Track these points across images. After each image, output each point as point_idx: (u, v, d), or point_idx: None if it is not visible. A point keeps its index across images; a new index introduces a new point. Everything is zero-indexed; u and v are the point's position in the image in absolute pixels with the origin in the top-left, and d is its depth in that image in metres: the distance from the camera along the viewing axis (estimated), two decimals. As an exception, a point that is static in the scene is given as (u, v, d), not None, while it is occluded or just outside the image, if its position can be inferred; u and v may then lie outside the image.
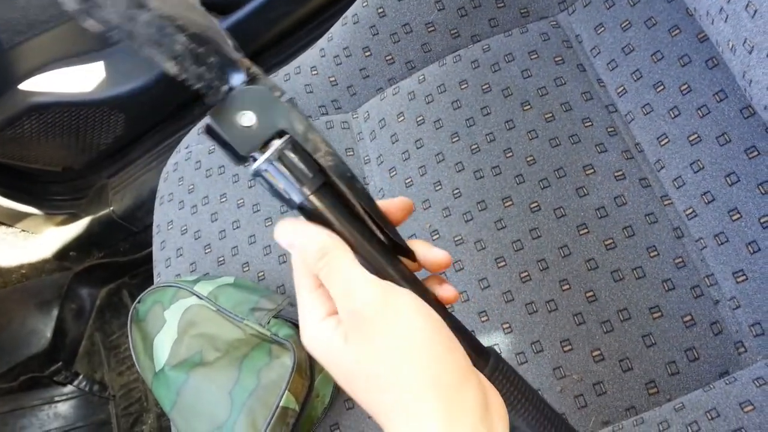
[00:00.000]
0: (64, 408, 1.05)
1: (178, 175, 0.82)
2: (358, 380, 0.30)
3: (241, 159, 0.32)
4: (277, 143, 0.31)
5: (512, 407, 0.33)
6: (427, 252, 0.35)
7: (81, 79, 1.03)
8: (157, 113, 1.12)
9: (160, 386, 0.64)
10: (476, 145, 0.69)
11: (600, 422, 0.55)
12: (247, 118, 0.31)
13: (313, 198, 0.32)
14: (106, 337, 1.05)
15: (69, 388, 1.01)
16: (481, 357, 0.33)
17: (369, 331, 0.30)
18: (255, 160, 0.31)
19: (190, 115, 1.17)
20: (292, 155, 0.31)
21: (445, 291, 0.35)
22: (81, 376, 1.07)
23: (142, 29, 0.30)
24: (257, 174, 0.32)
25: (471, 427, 0.28)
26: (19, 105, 1.01)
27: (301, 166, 0.31)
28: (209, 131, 0.32)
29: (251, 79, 0.32)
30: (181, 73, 0.31)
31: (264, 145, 0.31)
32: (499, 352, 0.60)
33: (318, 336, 0.31)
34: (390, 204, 0.35)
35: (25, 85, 1.01)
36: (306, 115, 0.32)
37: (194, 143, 0.84)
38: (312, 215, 0.33)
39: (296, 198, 0.32)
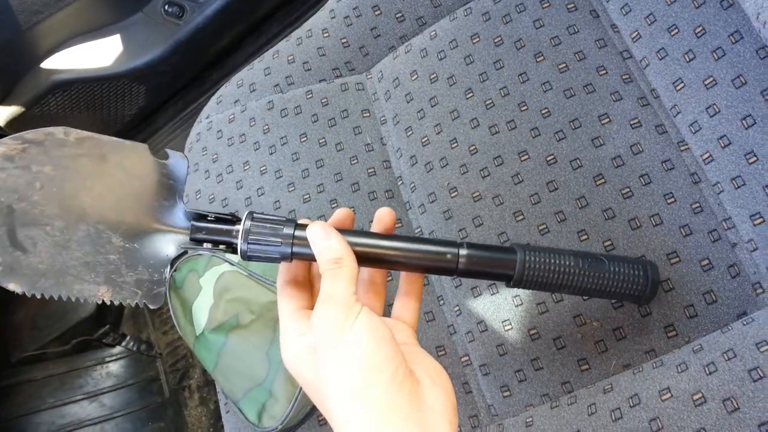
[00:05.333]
0: (115, 367, 1.12)
1: (201, 146, 0.84)
2: (316, 390, 0.36)
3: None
4: (240, 229, 0.41)
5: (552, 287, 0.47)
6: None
7: (100, 54, 1.04)
8: (177, 82, 1.14)
9: (201, 349, 0.68)
10: (490, 100, 0.69)
11: (620, 365, 0.57)
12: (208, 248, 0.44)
13: (296, 242, 0.41)
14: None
15: (118, 349, 1.07)
16: (509, 257, 0.45)
17: (329, 337, 0.36)
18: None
19: (209, 81, 1.18)
20: (257, 223, 0.41)
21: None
22: (128, 337, 1.14)
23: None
24: (245, 257, 0.41)
25: (399, 428, 0.33)
26: (43, 83, 1.04)
27: (270, 225, 0.41)
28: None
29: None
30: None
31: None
32: (521, 303, 0.62)
33: (298, 353, 0.38)
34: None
35: (47, 64, 1.04)
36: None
37: (214, 113, 0.85)
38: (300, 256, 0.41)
39: (286, 250, 0.41)
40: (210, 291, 0.68)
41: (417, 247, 0.42)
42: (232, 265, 0.69)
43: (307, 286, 0.43)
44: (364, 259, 0.41)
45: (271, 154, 0.78)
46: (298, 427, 0.62)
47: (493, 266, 0.44)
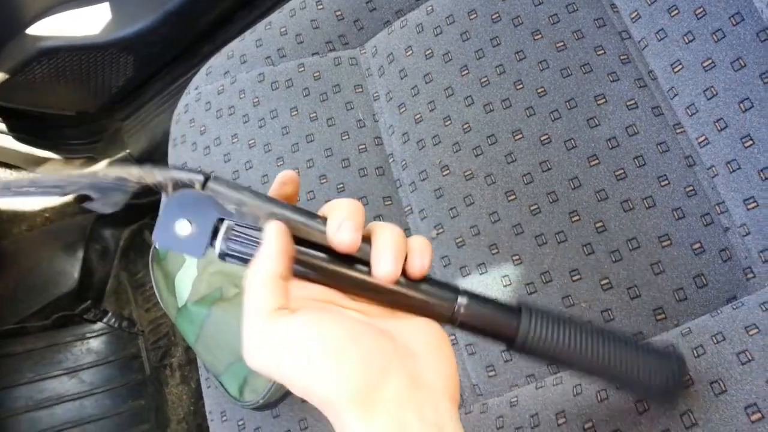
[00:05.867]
0: (96, 344, 1.10)
1: (189, 117, 0.82)
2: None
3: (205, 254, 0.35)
4: (222, 229, 0.34)
5: (559, 361, 0.37)
6: (376, 259, 0.34)
7: (88, 22, 1.02)
8: (166, 53, 1.11)
9: (183, 321, 0.67)
10: (486, 78, 0.68)
11: (607, 348, 0.57)
12: (183, 227, 0.34)
13: None
14: (132, 276, 1.09)
15: (99, 325, 1.06)
16: (513, 317, 0.36)
17: (278, 331, 0.31)
18: (214, 247, 0.34)
19: (200, 54, 1.16)
20: (239, 230, 0.34)
21: (411, 267, 0.35)
22: (110, 314, 1.12)
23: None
24: (223, 256, 0.34)
25: (392, 416, 0.29)
26: (29, 50, 1.01)
27: (252, 233, 0.34)
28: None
29: (169, 186, 0.34)
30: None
31: (214, 234, 0.34)
32: (509, 283, 0.61)
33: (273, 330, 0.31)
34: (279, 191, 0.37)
35: (33, 30, 1.01)
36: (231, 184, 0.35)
37: (203, 84, 0.83)
38: None
39: None
40: (194, 263, 0.67)
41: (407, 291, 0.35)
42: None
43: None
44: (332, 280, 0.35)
45: (261, 127, 0.76)
46: (280, 402, 0.61)
47: (490, 325, 0.37)
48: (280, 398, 0.60)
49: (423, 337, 0.34)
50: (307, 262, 0.34)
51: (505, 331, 0.37)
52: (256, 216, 0.34)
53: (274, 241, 0.33)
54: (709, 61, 0.57)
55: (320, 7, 0.78)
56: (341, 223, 0.33)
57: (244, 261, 0.34)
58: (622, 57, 0.63)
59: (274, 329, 0.30)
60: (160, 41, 1.05)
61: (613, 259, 0.58)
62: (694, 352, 0.50)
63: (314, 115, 0.75)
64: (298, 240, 0.34)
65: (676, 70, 0.59)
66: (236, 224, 0.34)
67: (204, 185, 0.34)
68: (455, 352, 0.63)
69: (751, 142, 0.54)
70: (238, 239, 0.34)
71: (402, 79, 0.73)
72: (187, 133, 0.82)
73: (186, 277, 0.67)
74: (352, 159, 0.73)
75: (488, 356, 0.61)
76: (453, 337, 0.64)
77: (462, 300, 0.35)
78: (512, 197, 0.63)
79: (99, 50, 1.01)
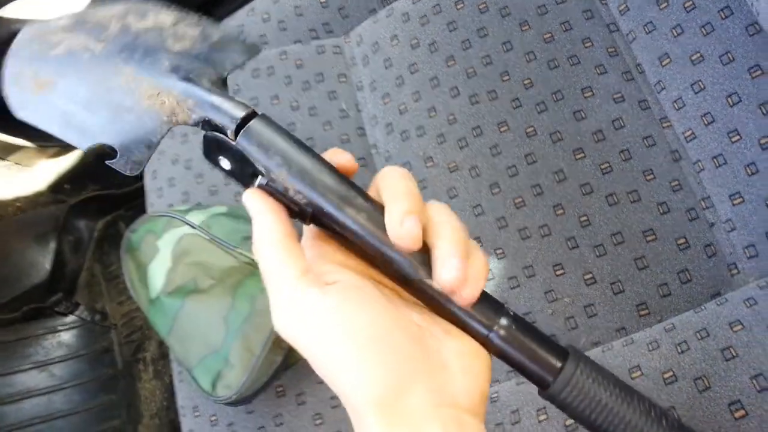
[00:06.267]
0: (67, 337, 1.07)
1: (167, 104, 0.80)
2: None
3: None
4: (256, 182, 0.29)
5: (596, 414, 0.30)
6: (440, 264, 0.29)
7: (61, 4, 0.99)
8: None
9: (156, 312, 0.64)
10: (472, 69, 0.67)
11: (590, 342, 0.56)
12: (225, 163, 0.30)
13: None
14: (105, 268, 1.06)
15: (71, 318, 1.03)
16: (557, 359, 0.30)
17: (304, 346, 0.28)
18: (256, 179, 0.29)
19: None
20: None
21: (462, 294, 0.29)
22: (82, 306, 1.09)
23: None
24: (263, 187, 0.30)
25: (415, 429, 0.26)
26: (2, 33, 0.98)
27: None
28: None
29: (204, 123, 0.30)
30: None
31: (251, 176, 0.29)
32: (492, 276, 0.60)
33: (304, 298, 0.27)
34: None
35: (5, 12, 0.98)
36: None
37: (183, 70, 0.81)
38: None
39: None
40: (168, 254, 0.65)
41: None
42: (193, 228, 0.65)
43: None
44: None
45: (241, 114, 0.74)
46: (254, 397, 0.59)
47: (529, 358, 0.30)
48: (254, 393, 0.58)
49: (458, 345, 0.29)
50: (347, 236, 0.29)
51: (543, 372, 0.30)
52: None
53: (261, 211, 0.29)
54: (698, 55, 0.56)
55: (304, -7, 0.77)
56: (403, 217, 0.28)
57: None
58: (609, 49, 0.62)
59: (303, 299, 0.27)
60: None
61: (597, 254, 0.57)
62: (678, 348, 0.49)
63: (296, 104, 0.73)
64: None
65: (664, 63, 0.59)
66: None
67: (239, 129, 0.29)
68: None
69: (738, 137, 0.53)
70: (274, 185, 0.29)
71: (387, 68, 0.72)
72: (165, 120, 0.80)
73: (159, 268, 0.65)
74: (334, 149, 0.71)
75: (551, 326, 0.59)
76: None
77: (504, 322, 0.29)
78: (496, 190, 0.62)
79: (75, 34, 0.98)
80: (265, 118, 0.29)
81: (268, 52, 0.77)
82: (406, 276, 0.29)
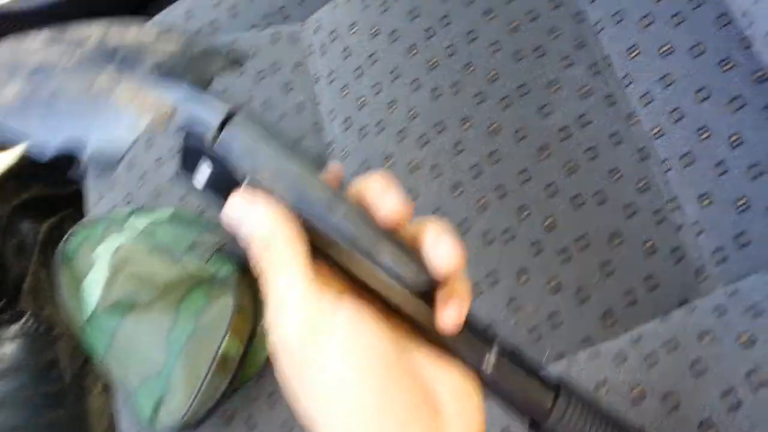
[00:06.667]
0: (9, 348, 1.01)
1: (113, 97, 0.75)
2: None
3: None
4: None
5: None
6: (432, 244, 0.26)
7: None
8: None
9: (92, 330, 0.60)
10: (435, 60, 0.63)
11: (555, 354, 0.54)
12: (203, 176, 0.27)
13: None
14: (52, 273, 1.01)
15: (14, 328, 0.98)
16: (548, 394, 0.28)
17: (299, 362, 0.25)
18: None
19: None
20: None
21: (444, 315, 0.26)
22: (26, 315, 1.03)
23: None
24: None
25: None
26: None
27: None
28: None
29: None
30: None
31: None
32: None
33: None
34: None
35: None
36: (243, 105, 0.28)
37: (129, 60, 0.76)
38: None
39: None
40: (105, 265, 0.60)
41: None
42: (134, 235, 0.61)
43: None
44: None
45: (190, 109, 0.70)
46: (200, 424, 0.56)
47: (520, 393, 0.29)
48: (200, 419, 0.55)
49: (452, 384, 0.27)
50: (335, 245, 0.26)
51: (535, 407, 0.28)
52: (272, 189, 0.26)
53: (264, 209, 0.26)
54: (668, 46, 0.53)
55: (256, -23, 0.72)
56: (440, 235, 0.26)
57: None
58: (576, 41, 0.59)
59: (317, 304, 0.25)
60: (83, 13, 0.96)
61: (562, 259, 0.54)
62: (646, 361, 0.46)
63: (249, 96, 0.69)
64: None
65: (632, 55, 0.55)
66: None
67: (220, 130, 0.26)
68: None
69: (707, 134, 0.50)
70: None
71: (345, 59, 0.68)
72: (112, 115, 0.75)
73: (95, 281, 0.60)
74: (290, 145, 0.67)
75: (514, 338, 0.56)
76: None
77: (494, 353, 0.27)
78: (459, 191, 0.59)
79: (13, 21, 0.92)
80: (249, 115, 0.27)
81: (219, 40, 0.72)
82: (406, 311, 0.27)
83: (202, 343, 0.54)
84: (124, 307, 0.57)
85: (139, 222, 0.61)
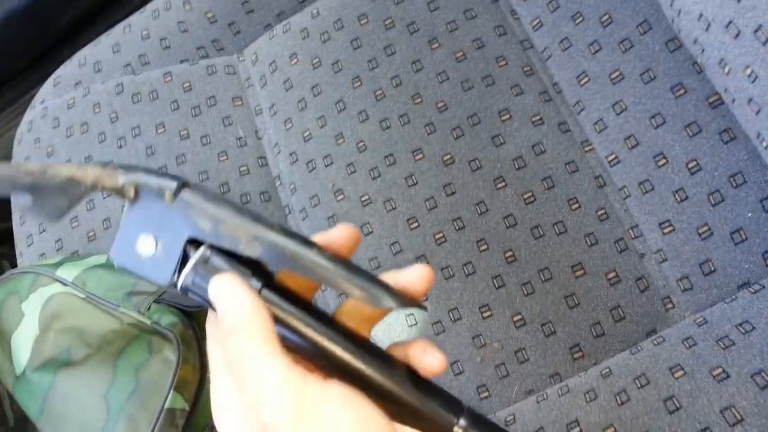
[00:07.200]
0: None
1: (33, 136, 0.69)
2: None
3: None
4: (196, 254, 0.27)
5: None
6: (420, 355, 0.27)
7: None
8: (14, 62, 0.96)
9: (22, 392, 0.54)
10: (381, 91, 0.60)
11: (523, 391, 0.51)
12: (146, 245, 0.27)
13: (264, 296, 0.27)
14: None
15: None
16: (451, 412, 0.27)
17: None
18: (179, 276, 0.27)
19: (57, 61, 1.01)
20: (217, 260, 0.27)
21: (427, 360, 0.27)
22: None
23: None
24: (186, 291, 0.27)
25: None
26: None
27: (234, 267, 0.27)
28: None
29: (134, 193, 0.27)
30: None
31: (183, 260, 0.27)
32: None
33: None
34: (334, 239, 0.28)
35: None
36: (206, 191, 0.28)
37: (50, 97, 0.70)
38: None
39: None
40: (35, 319, 0.55)
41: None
42: (65, 285, 0.56)
43: None
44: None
45: (120, 147, 0.65)
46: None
47: None
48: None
49: None
50: (303, 333, 0.26)
51: None
52: (236, 238, 0.26)
53: (237, 294, 0.25)
54: (618, 73, 0.52)
55: (188, 7, 0.68)
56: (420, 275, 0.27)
57: (208, 301, 0.27)
58: (525, 68, 0.58)
59: (303, 388, 0.24)
60: (3, 45, 0.89)
61: (525, 292, 0.52)
62: (617, 398, 0.45)
63: (185, 132, 0.65)
64: (282, 287, 0.27)
65: (582, 82, 0.55)
66: (212, 253, 0.27)
67: (176, 194, 0.27)
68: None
69: (664, 160, 0.50)
70: (209, 273, 0.26)
71: (287, 90, 0.64)
72: (32, 155, 0.69)
73: (25, 336, 0.55)
74: (232, 183, 0.63)
75: (481, 375, 0.52)
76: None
77: (462, 422, 0.27)
78: (414, 225, 0.56)
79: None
80: (197, 185, 0.28)
81: (150, 74, 0.67)
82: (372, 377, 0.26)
83: (144, 402, 0.49)
84: (56, 364, 0.51)
85: (70, 271, 0.55)
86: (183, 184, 0.27)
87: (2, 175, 0.28)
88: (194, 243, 0.27)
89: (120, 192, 0.27)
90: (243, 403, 0.25)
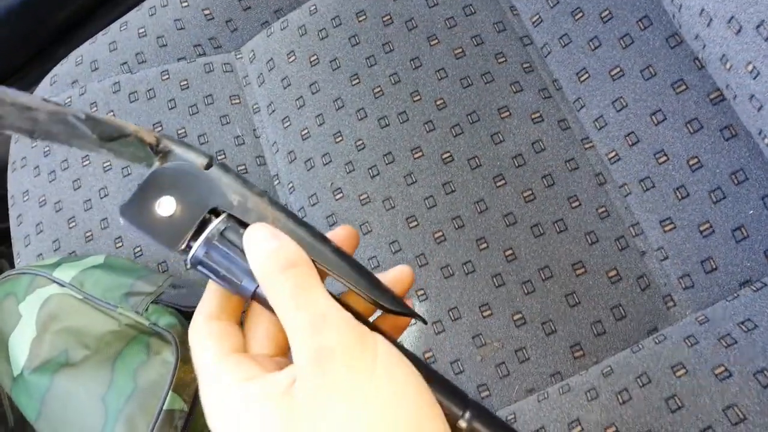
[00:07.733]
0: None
1: (30, 136, 0.68)
2: None
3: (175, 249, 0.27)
4: (213, 224, 0.26)
5: None
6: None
7: None
8: (11, 60, 0.95)
9: (20, 393, 0.54)
10: (379, 88, 0.60)
11: (524, 390, 0.51)
12: (166, 206, 0.27)
13: None
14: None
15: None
16: (457, 405, 0.27)
17: (338, 382, 0.23)
18: (190, 248, 0.26)
19: (53, 59, 1.00)
20: (233, 236, 0.26)
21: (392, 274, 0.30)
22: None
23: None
24: (196, 264, 0.26)
25: None
26: None
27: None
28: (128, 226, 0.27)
29: (163, 155, 0.28)
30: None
31: (199, 229, 0.27)
32: (414, 322, 0.54)
33: (247, 404, 0.24)
34: (335, 240, 0.29)
35: None
36: (240, 177, 0.28)
37: (47, 96, 0.70)
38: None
39: (250, 286, 0.26)
40: (32, 320, 0.54)
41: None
42: (62, 286, 0.55)
43: (238, 324, 0.30)
44: None
45: (118, 146, 0.64)
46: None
47: None
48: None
49: None
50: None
51: None
52: (264, 216, 0.27)
53: (295, 246, 0.26)
54: (618, 69, 0.52)
55: (185, 4, 0.67)
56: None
57: (221, 278, 0.26)
58: (524, 65, 0.57)
59: (357, 324, 0.25)
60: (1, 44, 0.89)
61: (526, 291, 0.52)
62: (619, 397, 0.44)
63: (183, 131, 0.64)
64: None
65: (582, 79, 0.54)
66: (231, 224, 0.26)
67: (209, 166, 0.27)
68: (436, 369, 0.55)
69: (665, 157, 0.49)
70: (227, 247, 0.26)
71: (285, 88, 0.64)
72: (29, 155, 0.68)
73: (23, 338, 0.54)
74: (230, 182, 0.63)
75: (481, 374, 0.52)
76: (431, 354, 0.55)
77: (468, 415, 0.27)
78: (414, 223, 0.56)
79: None
80: (225, 164, 0.29)
81: (147, 72, 0.67)
82: None
83: (142, 404, 0.48)
84: (54, 366, 0.51)
85: (67, 272, 0.55)
86: (211, 160, 0.28)
87: (52, 109, 0.26)
88: (215, 213, 0.27)
89: (154, 148, 0.27)
90: (261, 384, 0.24)
